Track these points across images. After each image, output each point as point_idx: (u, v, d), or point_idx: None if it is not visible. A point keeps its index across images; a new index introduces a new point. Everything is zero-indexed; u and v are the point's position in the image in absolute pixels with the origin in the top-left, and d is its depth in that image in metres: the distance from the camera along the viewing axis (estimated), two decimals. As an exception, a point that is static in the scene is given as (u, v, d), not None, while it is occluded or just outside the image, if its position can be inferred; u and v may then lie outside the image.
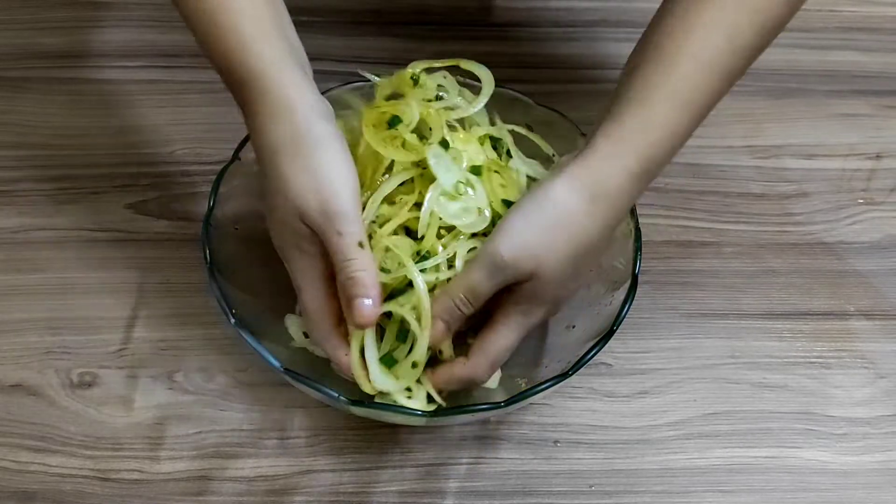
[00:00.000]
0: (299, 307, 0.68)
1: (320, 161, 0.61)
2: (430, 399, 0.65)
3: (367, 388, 0.64)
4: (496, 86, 0.74)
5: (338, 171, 0.62)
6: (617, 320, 0.66)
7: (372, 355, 0.64)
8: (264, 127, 0.62)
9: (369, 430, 0.71)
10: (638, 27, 0.66)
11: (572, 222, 0.62)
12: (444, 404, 0.65)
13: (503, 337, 0.64)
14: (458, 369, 0.65)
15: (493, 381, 0.69)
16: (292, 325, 0.70)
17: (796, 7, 0.64)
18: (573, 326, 0.71)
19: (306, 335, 0.69)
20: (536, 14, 0.99)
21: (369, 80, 0.74)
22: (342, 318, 0.64)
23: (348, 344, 0.64)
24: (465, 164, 0.68)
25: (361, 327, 0.62)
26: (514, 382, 0.69)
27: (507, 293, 0.63)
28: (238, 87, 0.63)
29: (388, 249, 0.65)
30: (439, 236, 0.66)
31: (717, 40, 0.62)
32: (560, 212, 0.62)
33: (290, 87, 0.62)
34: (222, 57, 0.63)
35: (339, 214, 0.61)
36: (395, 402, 0.63)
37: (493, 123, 0.74)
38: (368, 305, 0.61)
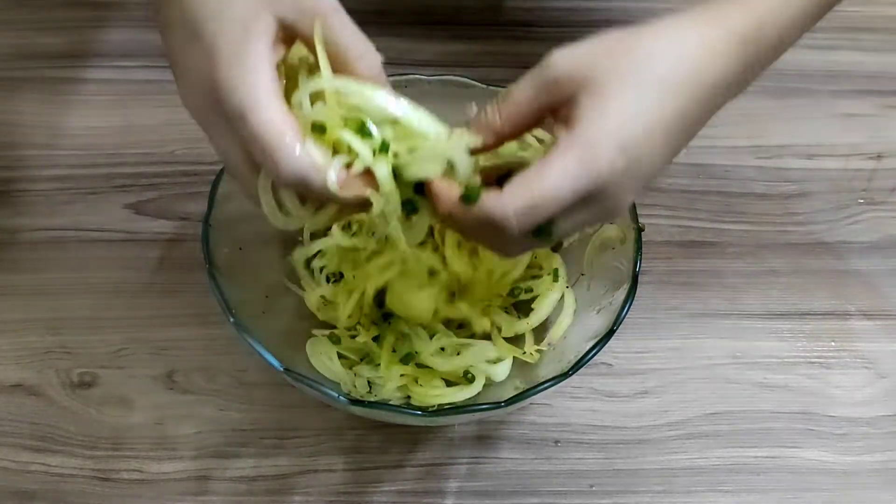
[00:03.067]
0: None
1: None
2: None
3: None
4: (496, 86, 0.73)
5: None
6: (617, 320, 0.65)
7: None
8: None
9: (369, 430, 0.71)
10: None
11: (644, 42, 0.53)
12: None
13: (552, 174, 0.51)
14: (487, 200, 0.52)
15: (503, 372, 0.69)
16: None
17: None
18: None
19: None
20: (539, 14, 0.99)
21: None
22: None
23: None
24: None
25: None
26: (511, 384, 0.69)
27: (565, 135, 0.52)
28: None
29: None
30: None
31: None
32: (631, 32, 0.54)
33: None
34: None
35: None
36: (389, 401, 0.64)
37: None
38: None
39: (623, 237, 0.69)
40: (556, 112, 0.54)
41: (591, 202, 0.53)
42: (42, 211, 0.81)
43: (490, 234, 0.54)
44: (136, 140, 0.86)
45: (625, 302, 0.66)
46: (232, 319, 0.64)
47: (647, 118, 0.52)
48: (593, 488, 0.70)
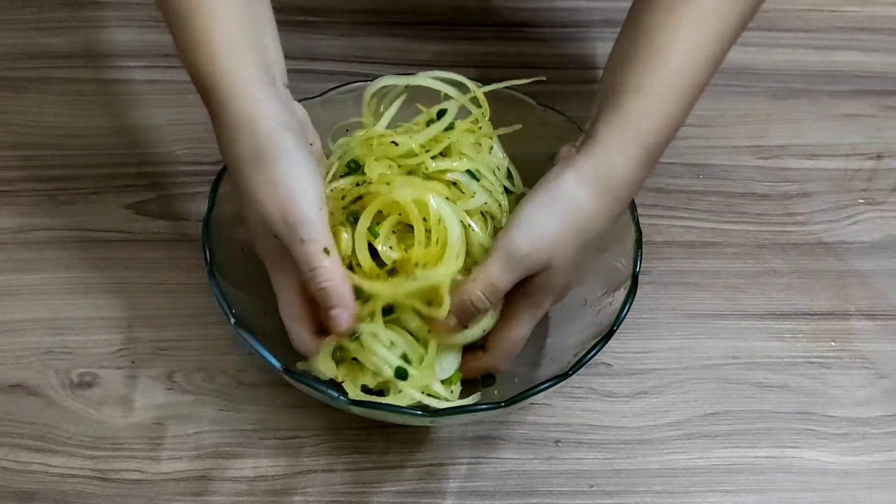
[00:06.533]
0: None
1: (281, 171, 0.61)
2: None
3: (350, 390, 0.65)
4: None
5: (299, 179, 0.61)
6: (617, 320, 0.66)
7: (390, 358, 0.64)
8: (229, 140, 0.63)
9: (369, 430, 0.72)
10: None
11: (583, 215, 0.63)
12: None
13: (516, 330, 0.66)
14: (478, 361, 0.68)
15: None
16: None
17: None
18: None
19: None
20: (538, 14, 0.99)
21: (368, 82, 0.73)
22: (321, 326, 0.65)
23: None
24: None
25: (342, 335, 0.63)
26: (512, 383, 0.69)
27: (517, 286, 0.65)
28: (206, 97, 0.64)
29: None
30: None
31: (707, 28, 0.64)
32: (571, 204, 0.63)
33: (254, 102, 0.62)
34: (192, 66, 0.64)
35: (300, 223, 0.60)
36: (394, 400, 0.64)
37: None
38: (342, 316, 0.62)
39: (630, 232, 0.71)
40: None
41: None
42: (42, 211, 0.81)
43: None
44: (137, 140, 0.86)
45: (625, 302, 0.66)
46: (232, 319, 0.64)
47: (579, 268, 0.67)
48: (593, 488, 0.70)
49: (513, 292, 0.65)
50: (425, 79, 0.71)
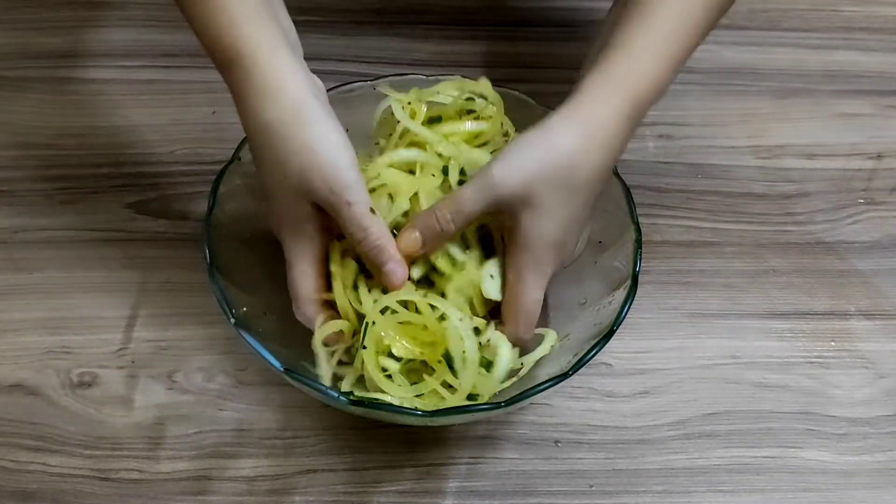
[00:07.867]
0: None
1: (316, 137, 0.62)
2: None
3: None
4: (496, 86, 0.74)
5: (335, 144, 0.63)
6: (617, 320, 0.66)
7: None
8: (255, 108, 0.63)
9: (369, 430, 0.71)
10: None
11: (564, 156, 0.64)
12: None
13: (525, 293, 0.66)
14: (501, 339, 0.67)
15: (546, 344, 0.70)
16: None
17: None
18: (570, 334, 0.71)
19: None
20: (538, 14, 0.99)
21: (368, 82, 0.74)
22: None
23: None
24: None
25: (396, 289, 0.65)
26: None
27: (510, 245, 0.66)
28: (227, 67, 0.64)
29: None
30: None
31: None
32: (552, 144, 0.64)
33: (280, 67, 0.63)
34: (212, 37, 0.64)
35: (346, 186, 0.62)
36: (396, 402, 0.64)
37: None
38: (397, 271, 0.64)
39: (630, 231, 0.71)
40: (493, 215, 0.66)
41: None
42: (42, 211, 0.81)
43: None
44: (137, 140, 0.86)
45: (625, 302, 0.66)
46: (232, 319, 0.64)
47: (572, 219, 0.65)
48: (593, 488, 0.70)
49: (510, 252, 0.66)
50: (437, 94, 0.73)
